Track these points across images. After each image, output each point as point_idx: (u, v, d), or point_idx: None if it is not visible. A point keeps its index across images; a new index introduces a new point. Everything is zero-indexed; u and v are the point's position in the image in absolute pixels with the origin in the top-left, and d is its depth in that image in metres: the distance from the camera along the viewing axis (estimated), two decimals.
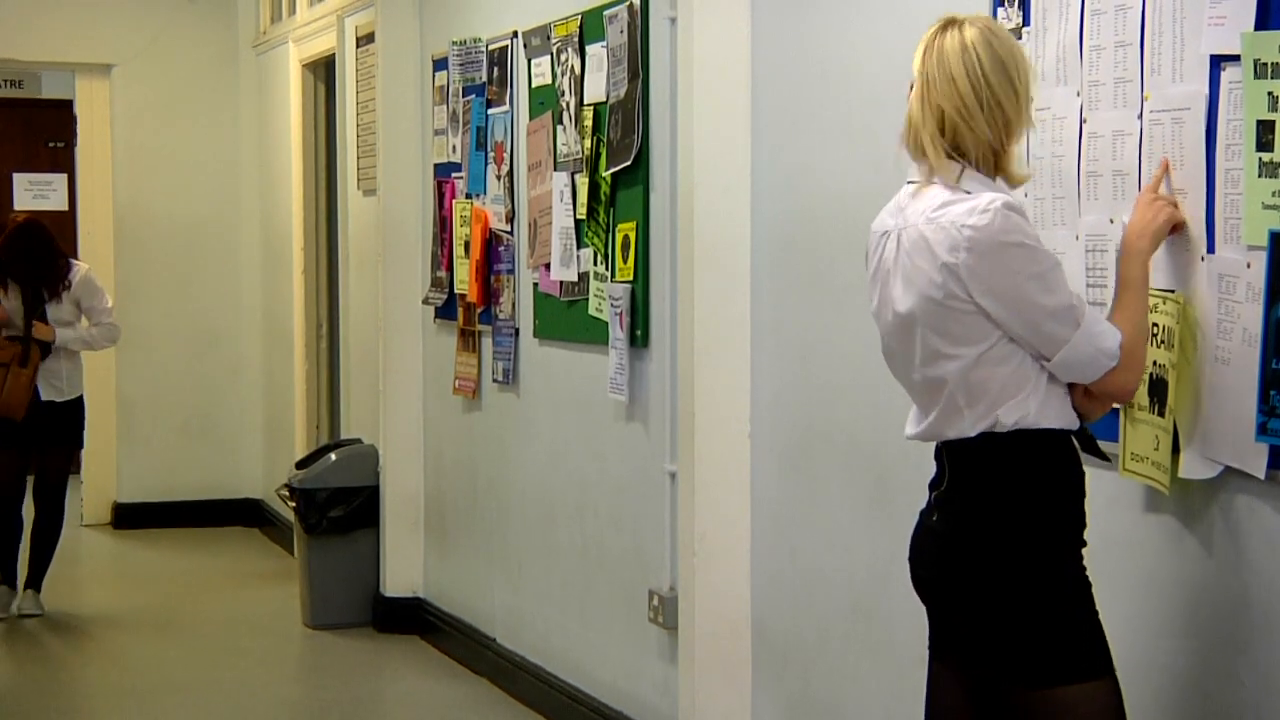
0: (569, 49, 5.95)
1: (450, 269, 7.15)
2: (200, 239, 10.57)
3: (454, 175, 7.13)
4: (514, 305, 6.57)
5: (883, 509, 4.38)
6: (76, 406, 8.13)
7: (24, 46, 10.38)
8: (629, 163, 5.52)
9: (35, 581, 8.18)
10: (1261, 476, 3.09)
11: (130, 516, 10.45)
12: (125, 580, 9.11)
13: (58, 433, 8.08)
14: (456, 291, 7.08)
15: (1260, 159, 3.04)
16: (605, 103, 5.68)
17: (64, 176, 12.28)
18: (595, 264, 5.81)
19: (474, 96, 6.87)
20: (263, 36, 10.30)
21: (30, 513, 8.14)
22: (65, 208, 12.23)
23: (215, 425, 10.66)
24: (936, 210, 3.15)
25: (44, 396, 7.95)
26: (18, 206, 12.51)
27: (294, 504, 7.91)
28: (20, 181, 12.55)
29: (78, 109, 10.75)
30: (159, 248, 10.52)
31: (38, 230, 8.02)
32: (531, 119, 6.32)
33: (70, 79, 10.92)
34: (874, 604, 4.43)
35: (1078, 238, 3.58)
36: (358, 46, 8.33)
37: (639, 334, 5.52)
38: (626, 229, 5.58)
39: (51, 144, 12.50)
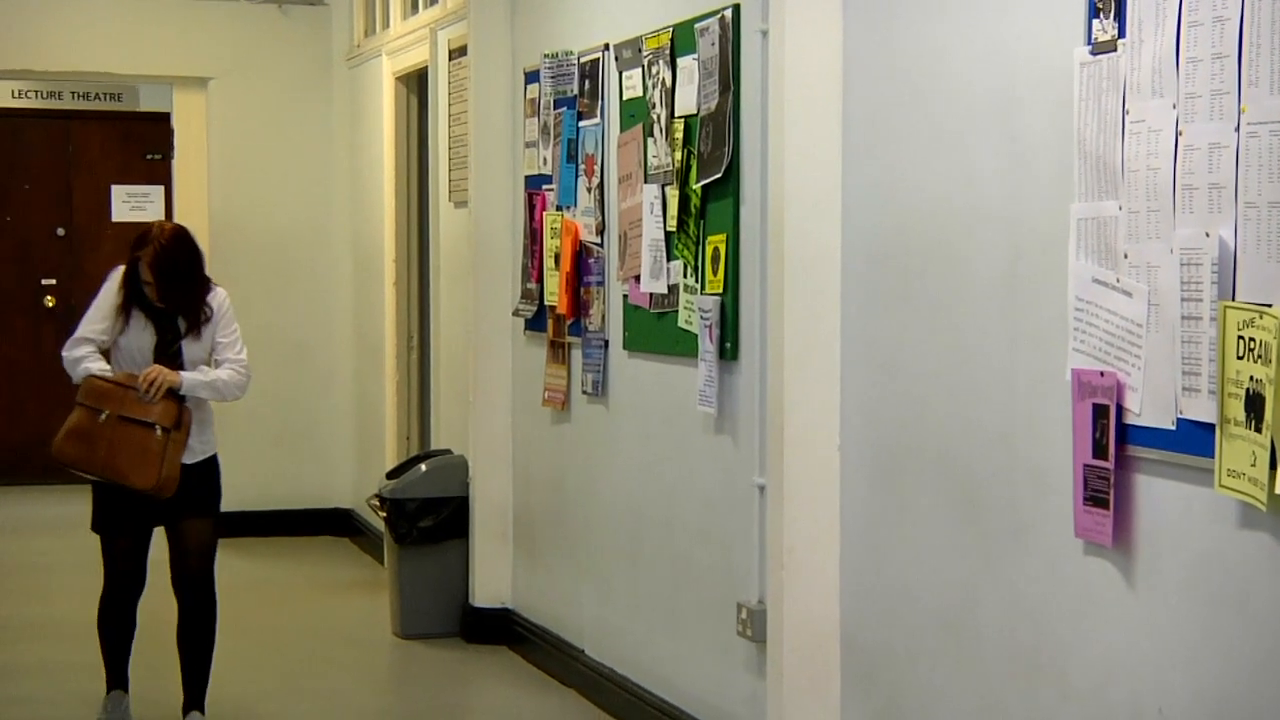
0: (660, 61, 5.96)
1: (540, 281, 7.18)
2: (293, 250, 10.67)
3: (545, 187, 7.16)
4: (604, 317, 6.58)
5: (973, 524, 4.35)
6: (212, 468, 6.28)
7: (123, 60, 10.53)
8: (719, 175, 5.52)
9: (198, 701, 6.33)
10: None
11: (223, 525, 10.54)
12: (217, 588, 9.18)
13: (195, 501, 6.18)
14: (546, 303, 7.11)
15: None
16: (696, 115, 5.69)
17: (161, 188, 12.45)
18: (685, 276, 5.81)
19: (565, 109, 6.89)
20: (356, 49, 10.39)
21: (150, 603, 6.44)
22: (162, 219, 12.40)
23: (306, 435, 10.74)
24: None
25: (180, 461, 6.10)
26: (115, 218, 12.72)
27: (384, 514, 7.96)
28: (118, 193, 12.74)
29: (175, 121, 10.89)
30: (253, 259, 10.62)
31: (189, 244, 6.12)
32: (622, 131, 6.34)
33: (168, 92, 11.07)
34: (964, 619, 4.40)
35: (1172, 251, 3.54)
36: (450, 59, 8.38)
37: (728, 346, 5.52)
38: (717, 241, 5.58)
39: (149, 156, 12.67)
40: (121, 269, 6.14)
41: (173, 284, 6.03)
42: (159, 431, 5.96)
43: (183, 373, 6.04)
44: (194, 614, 6.31)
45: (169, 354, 6.08)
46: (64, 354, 6.14)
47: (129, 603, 6.33)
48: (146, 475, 5.97)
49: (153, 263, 5.99)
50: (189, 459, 6.10)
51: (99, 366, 6.10)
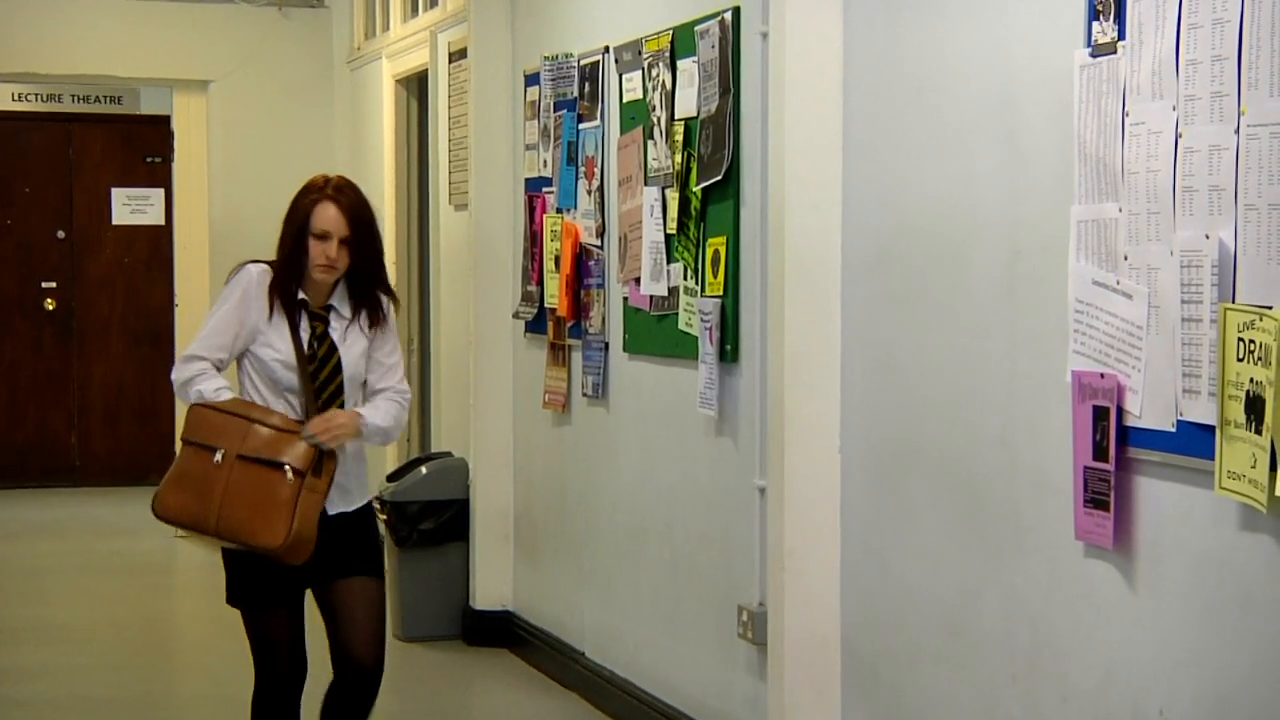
0: (660, 64, 5.96)
1: (541, 283, 7.18)
2: None
3: (545, 190, 7.16)
4: (604, 319, 6.58)
5: (974, 527, 4.35)
6: (368, 515, 4.88)
7: (123, 63, 10.54)
8: (720, 177, 5.52)
9: None
10: None
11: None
12: (218, 591, 9.17)
13: (357, 555, 4.79)
14: (547, 306, 7.11)
15: None
16: (696, 117, 5.69)
17: (161, 191, 12.46)
18: (685, 278, 5.81)
19: (565, 111, 6.89)
20: (357, 52, 10.39)
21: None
22: (162, 222, 12.42)
23: None
24: None
25: (331, 509, 4.70)
26: (116, 221, 12.73)
27: (384, 517, 7.95)
28: (118, 196, 12.75)
29: (175, 124, 10.90)
30: None
31: (364, 205, 4.66)
32: (622, 134, 6.34)
33: (168, 95, 11.07)
34: (965, 621, 4.40)
35: (1172, 253, 3.54)
36: (450, 62, 8.39)
37: (729, 349, 5.52)
38: (717, 243, 5.58)
39: (149, 159, 12.67)
40: (251, 270, 4.73)
41: (367, 243, 4.59)
42: (290, 474, 4.57)
43: (362, 414, 4.67)
44: (355, 692, 4.86)
45: (325, 371, 4.67)
46: (173, 376, 4.81)
47: (292, 699, 4.90)
48: (273, 530, 4.55)
49: (345, 205, 4.56)
50: (346, 505, 4.75)
51: (215, 387, 4.67)
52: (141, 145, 12.72)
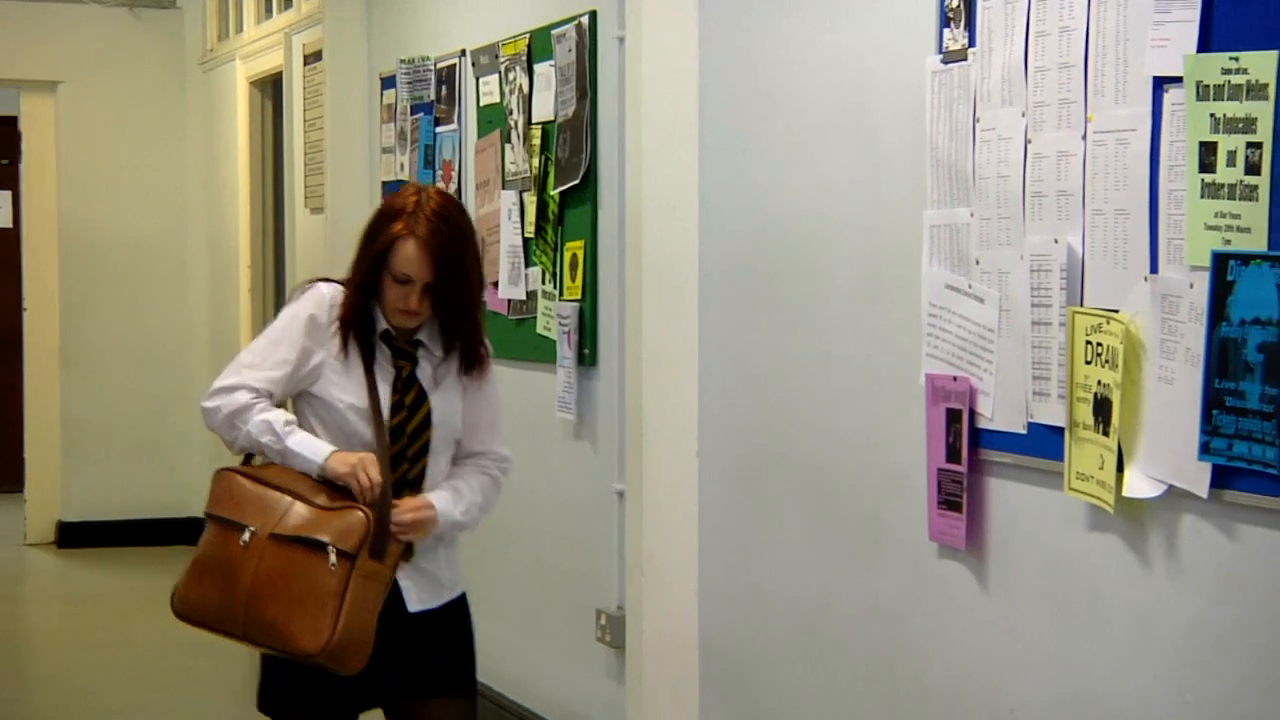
0: (517, 68, 5.95)
1: None
2: (147, 257, 10.51)
3: None
4: None
5: (832, 529, 4.39)
6: (461, 613, 3.95)
7: None
8: (577, 181, 5.52)
9: None
10: (1204, 495, 3.11)
11: (75, 535, 10.37)
12: (69, 600, 9.04)
13: (443, 667, 3.85)
14: None
15: (1202, 180, 3.07)
16: (553, 121, 5.68)
17: (8, 194, 12.20)
18: (543, 282, 5.81)
19: (422, 115, 6.86)
20: (210, 54, 10.26)
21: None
22: (10, 225, 12.17)
23: (161, 443, 10.58)
24: None
25: (412, 606, 3.78)
26: None
27: None
28: None
29: (22, 126, 10.68)
30: (105, 265, 10.45)
31: (456, 243, 3.68)
32: (480, 137, 6.32)
33: (15, 96, 10.85)
34: (823, 623, 4.43)
35: (1022, 257, 3.60)
36: (305, 64, 8.31)
37: (587, 353, 5.52)
38: (575, 248, 5.58)
39: None
40: (324, 291, 3.75)
41: (457, 285, 3.69)
42: (332, 556, 3.55)
43: (435, 500, 3.75)
44: None
45: (412, 424, 3.75)
46: (207, 406, 3.82)
47: None
48: (314, 629, 3.53)
49: (433, 246, 3.62)
50: (434, 599, 3.84)
51: (284, 419, 3.71)
52: None
